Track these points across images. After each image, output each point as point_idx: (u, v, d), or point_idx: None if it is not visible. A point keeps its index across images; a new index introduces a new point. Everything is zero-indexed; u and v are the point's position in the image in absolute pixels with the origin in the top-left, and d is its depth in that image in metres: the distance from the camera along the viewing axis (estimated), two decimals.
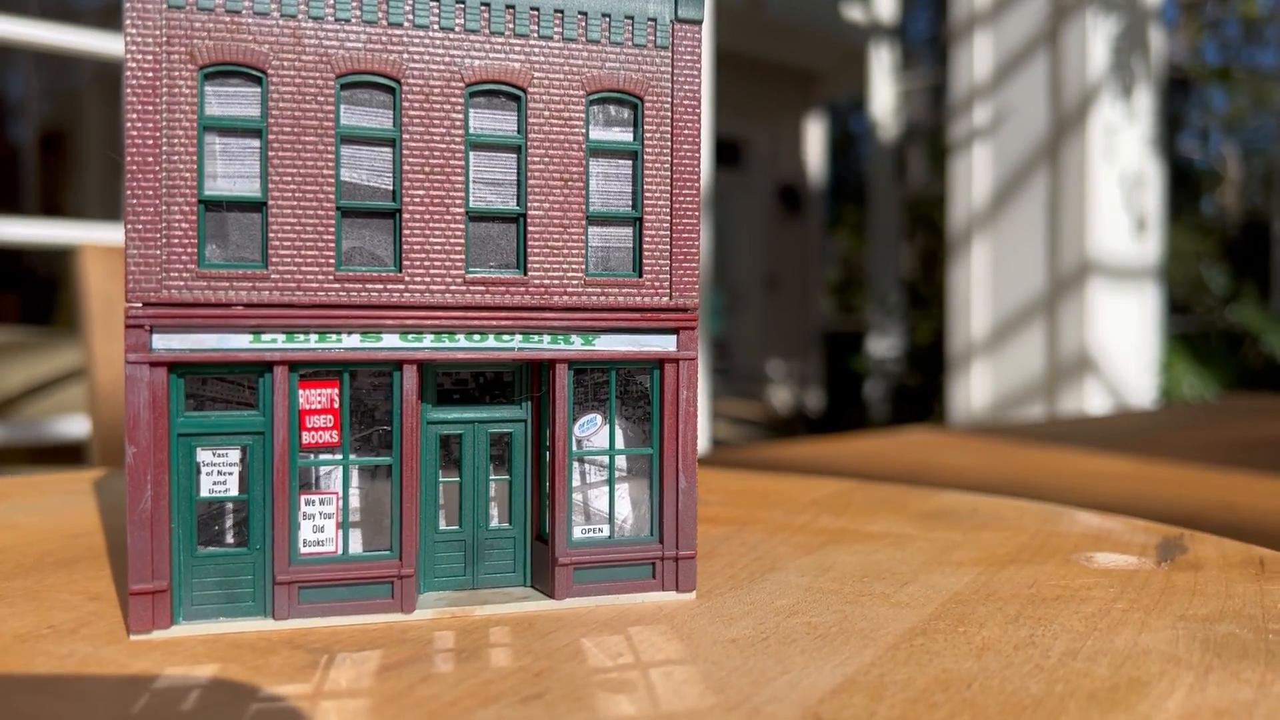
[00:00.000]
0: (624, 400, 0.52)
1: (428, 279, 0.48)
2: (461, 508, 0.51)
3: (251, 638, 0.44)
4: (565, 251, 0.50)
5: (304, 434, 0.47)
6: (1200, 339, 5.34)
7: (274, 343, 0.45)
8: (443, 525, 0.51)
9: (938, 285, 5.44)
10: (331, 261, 0.46)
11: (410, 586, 0.48)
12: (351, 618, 0.47)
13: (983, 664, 0.42)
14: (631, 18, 0.50)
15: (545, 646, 0.44)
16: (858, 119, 8.07)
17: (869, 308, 6.45)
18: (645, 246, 0.51)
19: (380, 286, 0.47)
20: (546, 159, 0.49)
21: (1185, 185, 6.90)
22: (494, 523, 0.52)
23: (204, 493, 0.46)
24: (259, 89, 0.45)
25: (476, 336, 0.48)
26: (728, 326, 7.26)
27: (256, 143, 0.45)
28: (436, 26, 0.47)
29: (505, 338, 0.49)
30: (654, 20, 0.50)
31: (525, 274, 0.49)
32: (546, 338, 0.50)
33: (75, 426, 2.01)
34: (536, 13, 0.48)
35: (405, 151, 0.47)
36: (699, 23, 0.51)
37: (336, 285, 0.46)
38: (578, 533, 0.51)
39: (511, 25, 0.48)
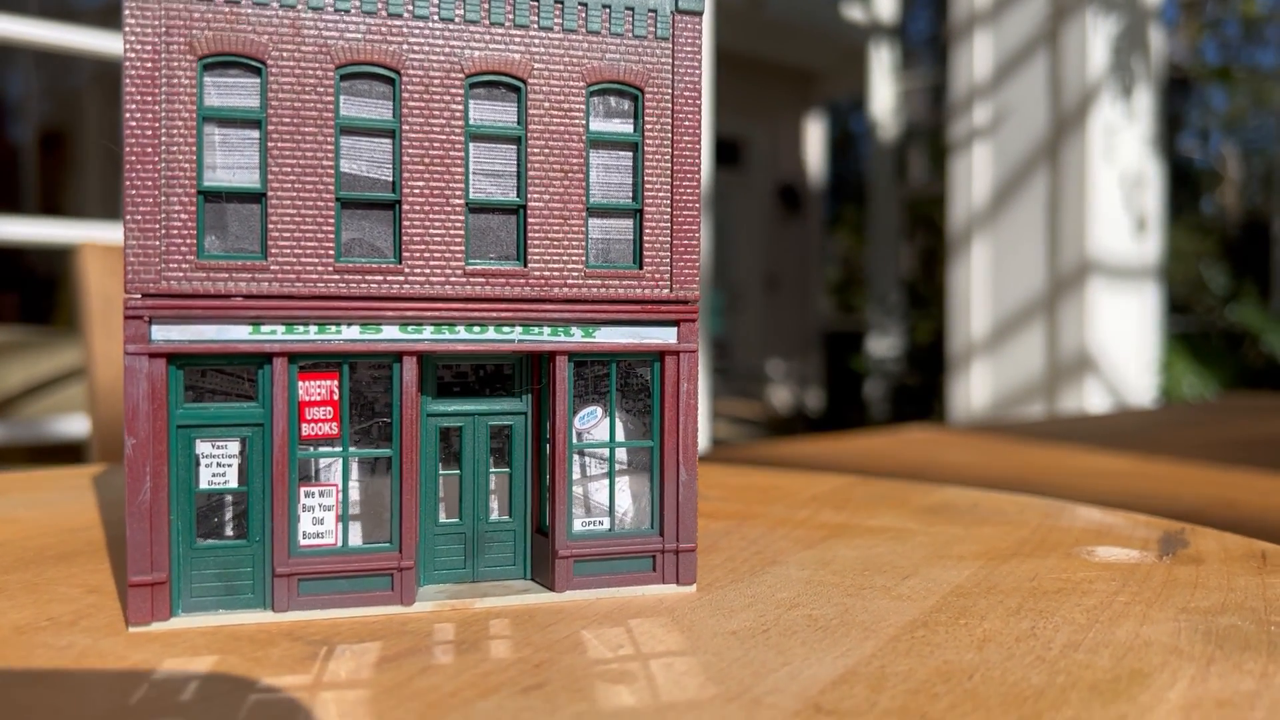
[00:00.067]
0: (624, 393, 0.52)
1: (427, 270, 0.47)
2: (461, 500, 0.51)
3: (251, 630, 0.44)
4: (565, 243, 0.50)
5: (304, 426, 0.46)
6: (1200, 338, 5.33)
7: (273, 334, 0.45)
8: (443, 518, 0.51)
9: (938, 285, 5.44)
10: (331, 253, 0.46)
11: (410, 579, 0.48)
12: (351, 610, 0.47)
13: (984, 655, 0.42)
14: (632, 9, 0.50)
15: (545, 638, 0.43)
16: (858, 119, 8.07)
17: (869, 307, 6.45)
18: (646, 239, 0.51)
19: (380, 278, 0.47)
20: (547, 150, 0.49)
21: (1185, 185, 6.90)
22: (494, 515, 0.52)
23: (203, 485, 0.46)
24: (258, 80, 0.45)
25: (476, 328, 0.48)
26: (728, 326, 7.26)
27: (256, 133, 0.45)
28: (436, 17, 0.47)
29: (505, 329, 0.49)
30: (654, 11, 0.50)
31: (525, 266, 0.49)
32: (547, 330, 0.49)
33: (75, 426, 2.01)
34: (536, 4, 0.48)
35: (405, 143, 0.47)
36: (699, 14, 0.51)
37: (336, 276, 0.46)
38: (578, 525, 0.51)
39: (511, 16, 0.48)
